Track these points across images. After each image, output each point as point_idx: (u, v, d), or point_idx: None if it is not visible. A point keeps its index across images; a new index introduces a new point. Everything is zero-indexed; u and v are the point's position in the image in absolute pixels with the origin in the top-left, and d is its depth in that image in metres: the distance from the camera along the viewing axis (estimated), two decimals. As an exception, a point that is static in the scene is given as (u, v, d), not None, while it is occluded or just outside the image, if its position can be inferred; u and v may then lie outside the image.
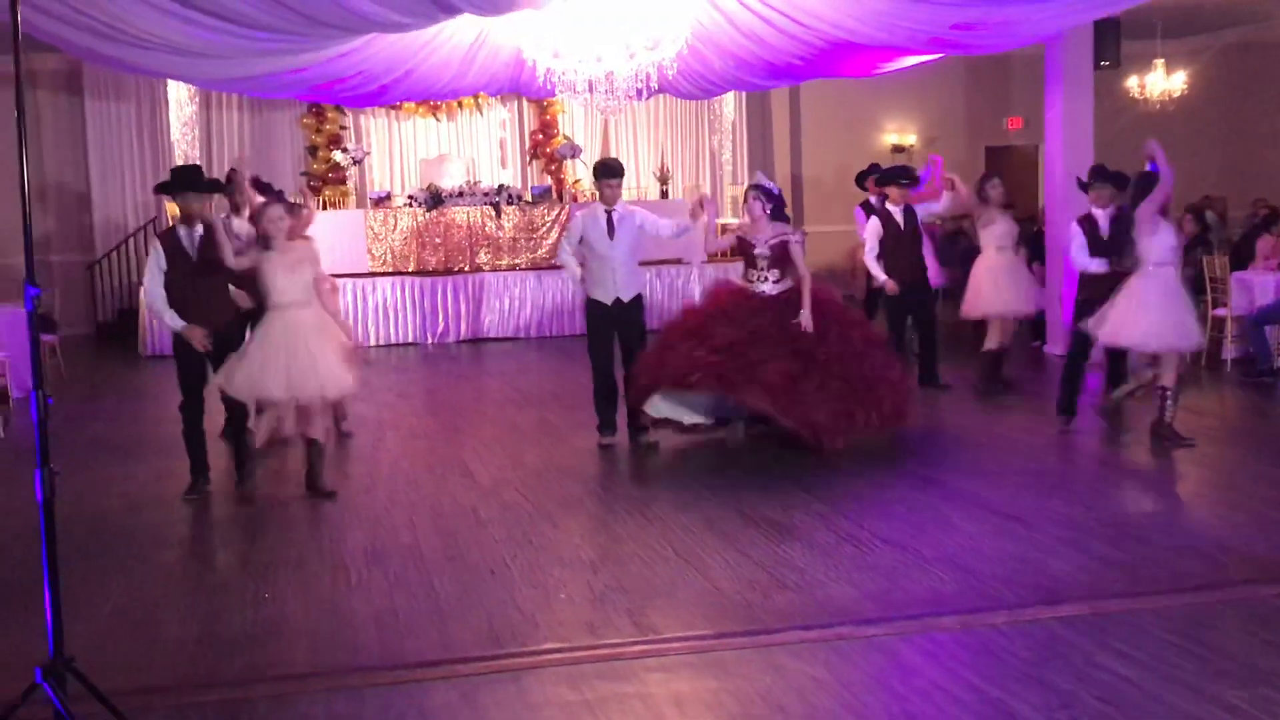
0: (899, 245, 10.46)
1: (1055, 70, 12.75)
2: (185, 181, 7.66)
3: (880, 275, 10.48)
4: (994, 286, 10.47)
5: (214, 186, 8.60)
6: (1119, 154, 16.40)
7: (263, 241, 7.51)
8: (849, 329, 8.50)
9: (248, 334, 7.93)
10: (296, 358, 7.33)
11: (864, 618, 5.29)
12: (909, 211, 10.54)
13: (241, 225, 8.56)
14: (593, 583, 5.88)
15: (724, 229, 9.19)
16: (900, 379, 8.62)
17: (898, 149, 19.80)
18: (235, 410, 7.79)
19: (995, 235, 10.55)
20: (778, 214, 8.69)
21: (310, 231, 8.84)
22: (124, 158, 17.32)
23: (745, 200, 8.80)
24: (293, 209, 8.10)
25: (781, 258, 8.50)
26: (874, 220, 10.60)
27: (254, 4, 7.50)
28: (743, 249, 8.66)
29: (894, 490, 7.50)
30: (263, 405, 8.13)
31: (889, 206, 10.57)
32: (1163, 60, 18.39)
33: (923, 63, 11.99)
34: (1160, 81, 18.39)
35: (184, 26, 7.91)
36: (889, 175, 10.82)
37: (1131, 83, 18.63)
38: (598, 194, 8.85)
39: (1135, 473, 7.81)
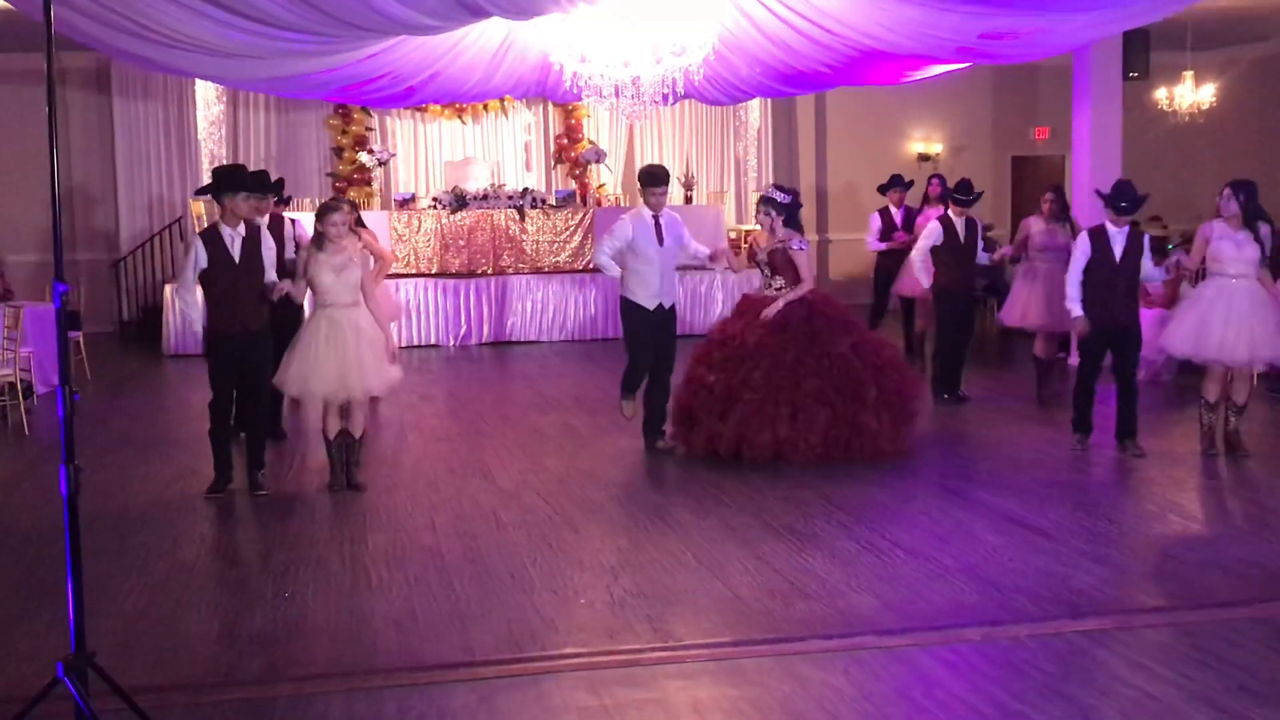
0: (955, 255, 10.50)
1: (1083, 81, 12.71)
2: (235, 181, 7.68)
3: (925, 279, 10.60)
4: (1039, 297, 10.65)
5: (267, 186, 8.73)
6: (1147, 166, 16.35)
7: (316, 241, 7.65)
8: (864, 349, 8.52)
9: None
10: (342, 356, 7.50)
11: (885, 628, 5.27)
12: (970, 224, 10.59)
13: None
14: (613, 588, 5.88)
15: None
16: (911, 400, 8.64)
17: (924, 158, 19.74)
18: (260, 415, 7.99)
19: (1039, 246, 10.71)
20: (791, 220, 8.70)
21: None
22: (150, 157, 17.37)
23: (756, 214, 8.91)
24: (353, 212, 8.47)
25: (783, 265, 8.54)
26: (935, 224, 10.62)
27: (283, 5, 7.52)
28: (753, 259, 8.88)
29: (916, 500, 7.47)
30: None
31: (952, 216, 10.58)
32: (1192, 72, 18.28)
33: (950, 72, 11.95)
34: (1189, 94, 18.28)
35: (214, 26, 7.93)
36: (954, 191, 10.76)
37: (1160, 94, 18.54)
38: (642, 200, 8.81)
39: (1160, 487, 7.75)
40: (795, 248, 8.57)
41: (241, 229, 7.65)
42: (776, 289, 8.57)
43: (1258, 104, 19.37)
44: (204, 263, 7.57)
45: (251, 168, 16.04)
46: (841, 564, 6.17)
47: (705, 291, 15.94)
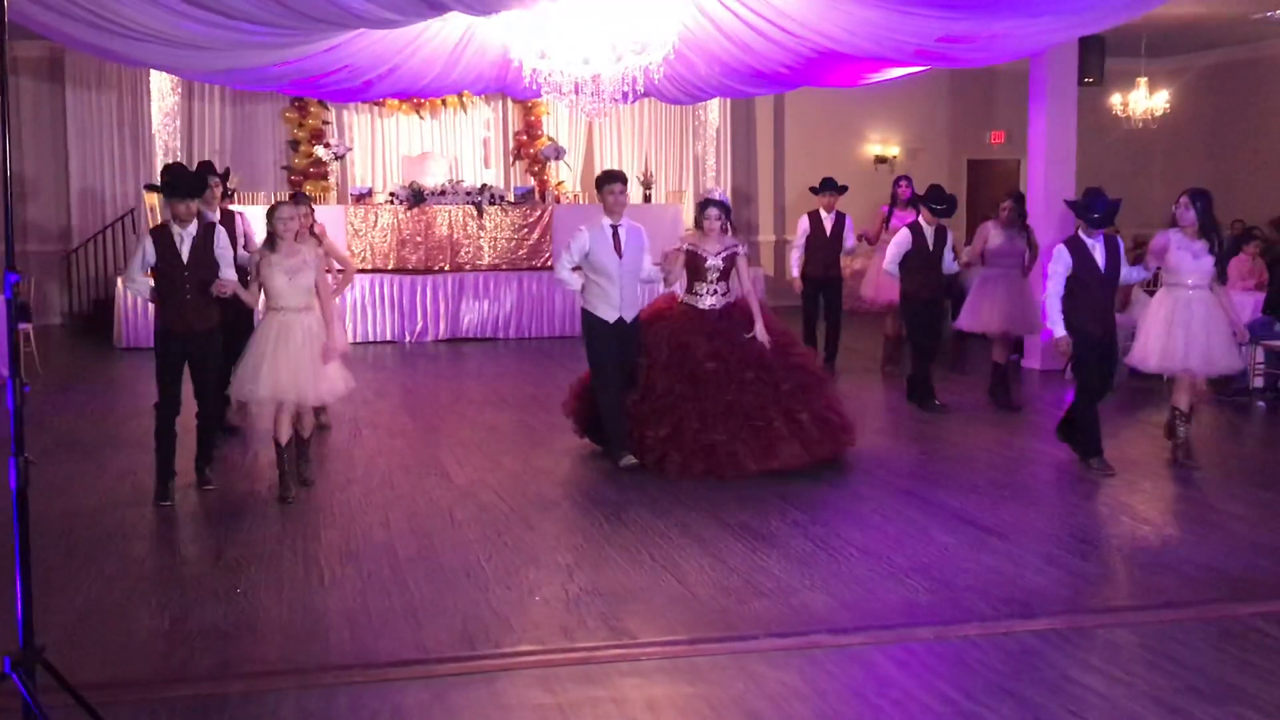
0: (924, 263, 10.46)
1: (1039, 85, 12.82)
2: (180, 186, 7.49)
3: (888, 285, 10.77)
4: (999, 303, 10.62)
5: (202, 186, 8.33)
6: (1101, 171, 16.52)
7: (269, 241, 7.48)
8: (794, 358, 8.48)
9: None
10: (291, 362, 7.33)
11: (839, 626, 5.30)
12: (940, 232, 10.53)
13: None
14: (568, 586, 5.87)
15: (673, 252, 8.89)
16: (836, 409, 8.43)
17: (880, 160, 19.86)
18: (214, 415, 7.89)
19: (995, 252, 10.68)
20: (728, 226, 8.61)
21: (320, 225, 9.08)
22: (104, 148, 17.19)
23: (704, 214, 8.52)
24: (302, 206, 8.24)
25: (729, 270, 8.48)
26: (905, 232, 10.57)
27: (241, -4, 7.47)
28: (693, 262, 8.46)
29: (871, 500, 7.51)
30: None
31: (923, 224, 10.53)
32: (1146, 79, 18.52)
33: (908, 74, 12.02)
34: (1143, 100, 18.52)
35: (170, 17, 7.85)
36: (927, 198, 10.67)
37: (1115, 100, 18.76)
38: (602, 204, 8.38)
39: (1111, 489, 7.83)
40: (742, 253, 8.59)
41: (193, 228, 7.46)
42: (722, 294, 8.47)
43: (1210, 111, 19.61)
44: (152, 260, 7.44)
45: (206, 159, 15.95)
46: (796, 563, 6.19)
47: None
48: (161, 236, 7.47)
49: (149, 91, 16.29)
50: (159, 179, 7.71)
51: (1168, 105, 18.68)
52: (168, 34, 8.37)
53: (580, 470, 8.39)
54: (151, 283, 7.54)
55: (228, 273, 7.57)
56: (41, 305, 16.47)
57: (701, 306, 8.48)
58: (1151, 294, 8.80)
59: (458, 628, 5.31)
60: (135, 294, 7.76)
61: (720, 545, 6.50)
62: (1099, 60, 15.99)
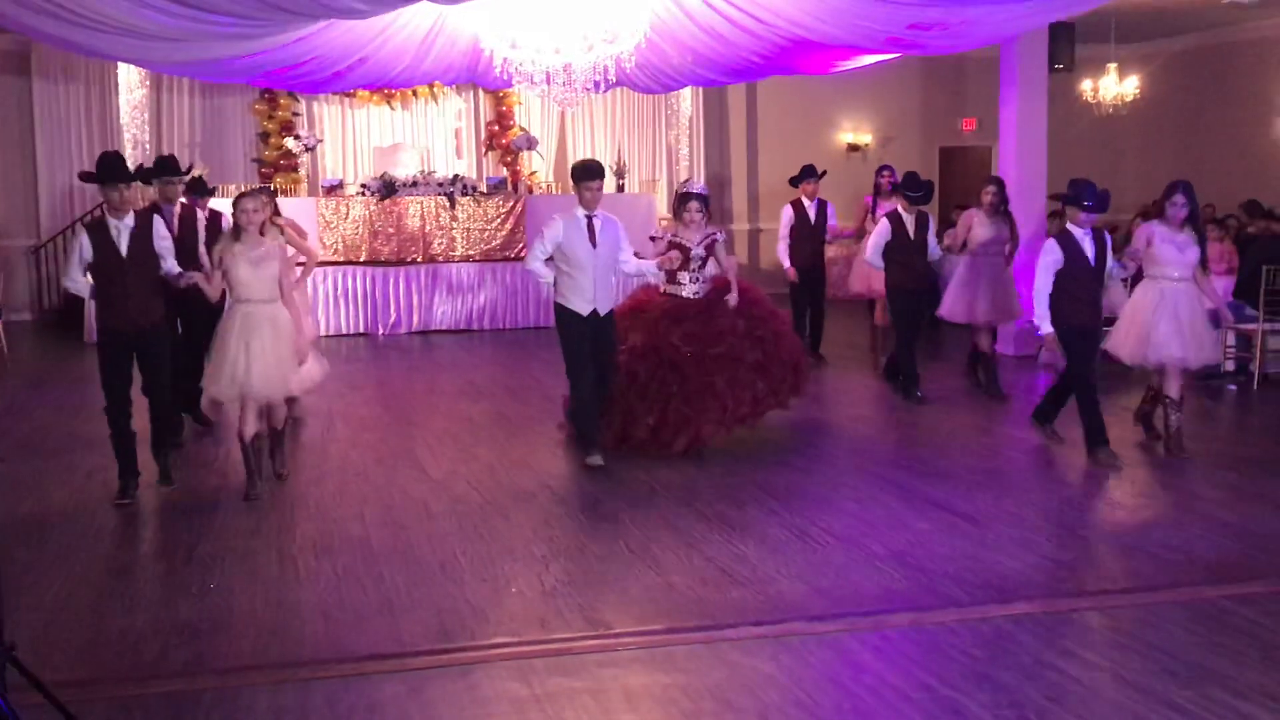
0: (905, 252, 10.34)
1: (1010, 72, 12.84)
2: (109, 171, 7.15)
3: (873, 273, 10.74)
4: (984, 292, 10.51)
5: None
6: (1072, 157, 16.58)
7: (233, 232, 7.33)
8: (769, 321, 8.77)
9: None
10: (259, 357, 7.20)
11: (815, 614, 5.30)
12: (921, 219, 10.43)
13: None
14: (544, 577, 5.86)
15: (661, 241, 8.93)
16: (801, 358, 8.97)
17: (853, 148, 19.89)
18: (165, 414, 7.67)
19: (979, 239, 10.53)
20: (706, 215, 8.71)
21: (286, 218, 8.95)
22: (72, 141, 17.04)
23: (685, 207, 8.51)
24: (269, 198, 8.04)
25: (709, 257, 8.61)
26: (884, 222, 10.48)
27: (208, -13, 7.41)
28: (679, 253, 8.52)
29: (847, 487, 7.52)
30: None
31: (902, 213, 10.42)
32: (1116, 65, 18.59)
33: (880, 62, 12.03)
34: (1113, 86, 18.58)
35: (136, 8, 7.78)
36: (904, 186, 10.60)
37: (1085, 86, 18.82)
38: (577, 198, 8.15)
39: (1085, 475, 7.87)
40: (722, 240, 8.77)
41: (130, 220, 7.21)
42: (703, 281, 8.60)
43: (1180, 96, 19.71)
44: (90, 257, 7.16)
45: (176, 153, 15.79)
46: (772, 551, 6.20)
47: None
48: (97, 231, 7.21)
49: (117, 84, 16.15)
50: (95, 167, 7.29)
51: (1138, 91, 18.75)
52: (133, 25, 8.28)
53: (556, 461, 8.36)
54: (90, 281, 7.26)
55: (169, 264, 7.35)
56: (10, 300, 16.32)
57: (683, 294, 8.56)
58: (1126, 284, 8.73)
59: (433, 621, 5.29)
60: (76, 293, 7.49)
61: (697, 534, 6.50)
62: (1069, 46, 16.04)
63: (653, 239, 8.85)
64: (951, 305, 10.75)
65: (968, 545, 6.28)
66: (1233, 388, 10.90)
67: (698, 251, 8.51)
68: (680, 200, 8.71)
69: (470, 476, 7.87)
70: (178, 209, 8.71)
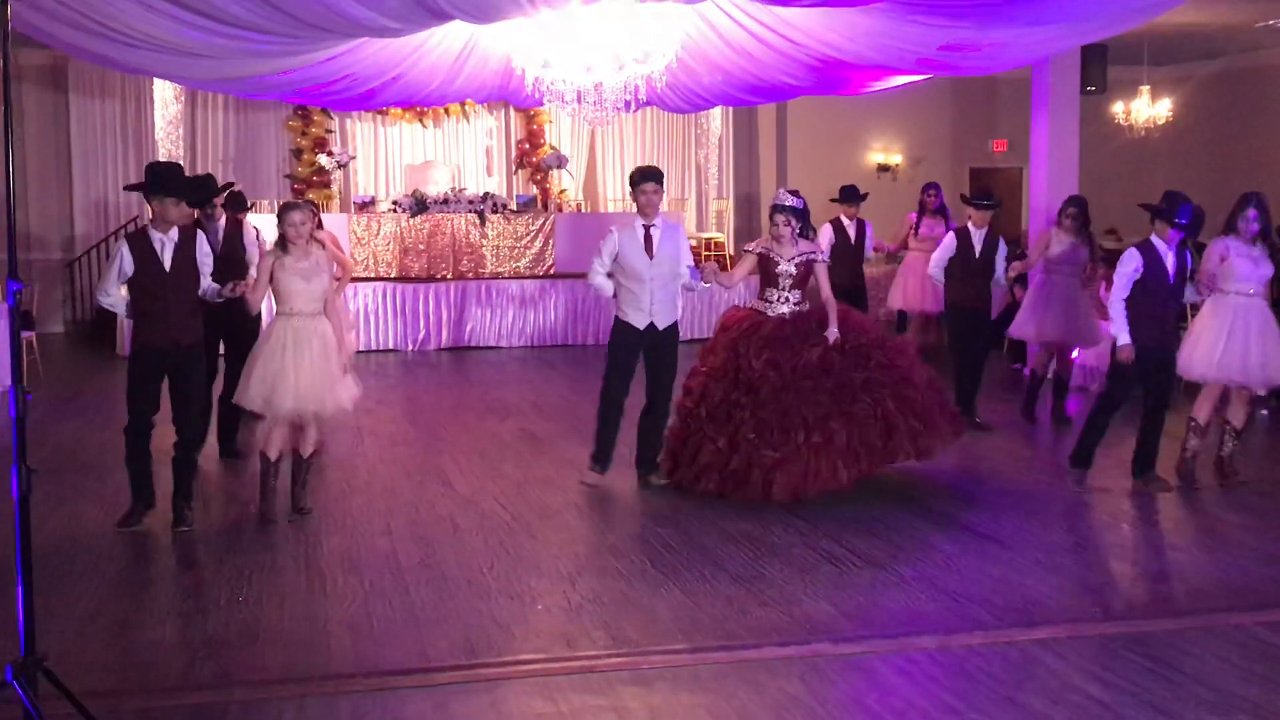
0: (970, 269, 10.09)
1: (1041, 94, 12.82)
2: (164, 184, 6.92)
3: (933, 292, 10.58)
4: (1057, 312, 10.18)
5: (198, 191, 7.94)
6: (1104, 179, 16.51)
7: (280, 244, 7.16)
8: (890, 354, 7.94)
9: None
10: (309, 370, 7.03)
11: (841, 635, 5.29)
12: (991, 238, 10.14)
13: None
14: (569, 595, 5.86)
15: (732, 262, 8.45)
16: (940, 406, 8.02)
17: (883, 168, 19.88)
18: (196, 437, 7.39)
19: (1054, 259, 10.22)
20: (805, 230, 8.13)
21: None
22: (107, 156, 17.23)
23: (771, 220, 8.01)
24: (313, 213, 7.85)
25: (804, 277, 7.98)
26: (950, 237, 10.29)
27: (245, 5, 7.48)
28: (764, 267, 8.00)
29: (873, 509, 7.49)
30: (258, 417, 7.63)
31: (971, 229, 10.16)
32: (1148, 87, 18.52)
33: (910, 83, 12.03)
34: (1145, 108, 18.52)
35: (174, 26, 7.87)
36: (974, 197, 10.39)
37: (1117, 108, 18.76)
38: (635, 205, 7.97)
39: (1113, 498, 7.82)
40: (822, 260, 8.08)
41: (174, 234, 6.97)
42: (795, 303, 7.97)
43: (1211, 119, 19.61)
44: (130, 270, 6.89)
45: (210, 169, 15.86)
46: (799, 572, 6.19)
47: (708, 306, 15.48)
48: (140, 243, 6.95)
49: (152, 99, 16.31)
50: (145, 176, 7.06)
51: (1170, 113, 18.68)
52: (169, 42, 8.39)
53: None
54: (128, 296, 7.06)
55: (205, 282, 7.16)
56: (44, 313, 16.48)
57: (771, 314, 7.96)
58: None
59: (459, 636, 5.30)
60: (111, 308, 7.19)
61: (722, 554, 6.49)
62: (1101, 68, 15.99)
63: (745, 251, 8.27)
64: (1022, 323, 10.46)
65: (995, 568, 6.26)
66: (1264, 413, 10.81)
67: (786, 268, 7.90)
68: (771, 212, 8.08)
69: (497, 493, 7.89)
70: (222, 224, 8.72)
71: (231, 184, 9.42)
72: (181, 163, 15.77)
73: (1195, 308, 8.83)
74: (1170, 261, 7.74)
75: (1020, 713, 4.46)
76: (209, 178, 8.77)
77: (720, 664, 4.98)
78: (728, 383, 7.75)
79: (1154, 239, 7.78)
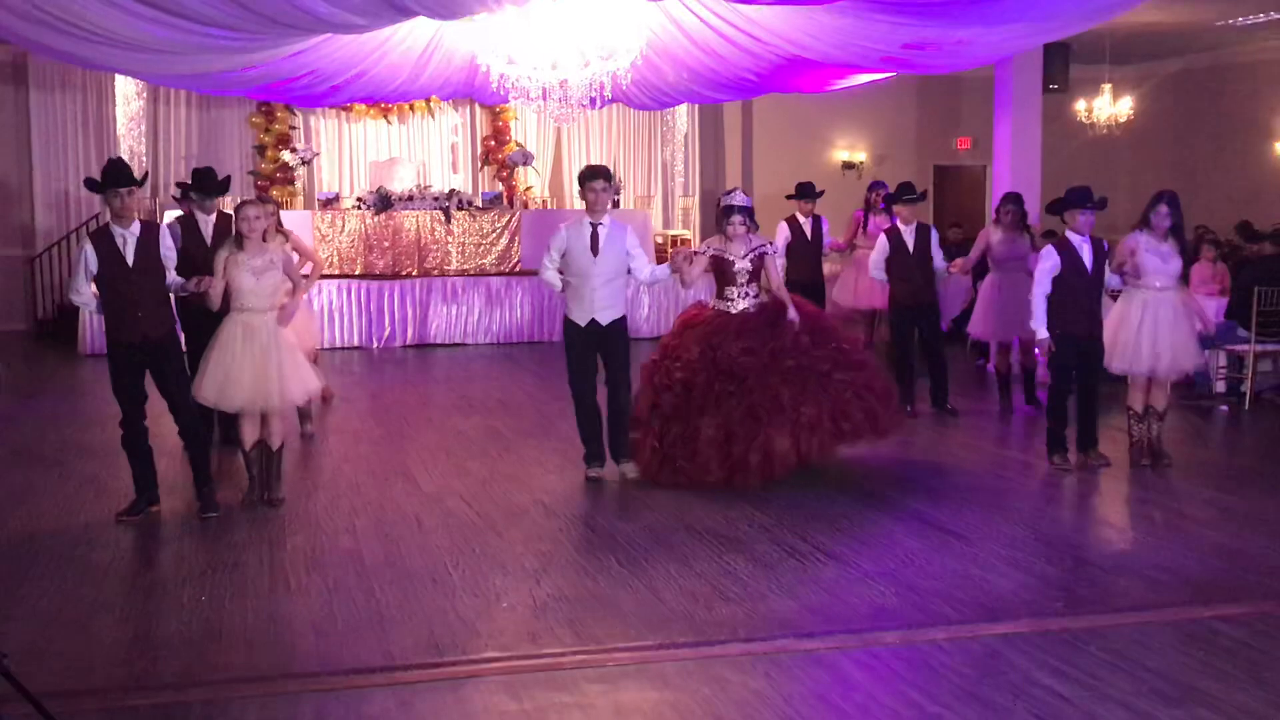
0: (907, 266, 10.25)
1: (1004, 92, 12.93)
2: (115, 177, 6.94)
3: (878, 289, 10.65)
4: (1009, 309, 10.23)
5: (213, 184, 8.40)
6: (1066, 177, 16.59)
7: (236, 240, 7.23)
8: (848, 350, 8.26)
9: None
10: (260, 364, 7.13)
11: (805, 631, 5.31)
12: (921, 231, 10.30)
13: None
14: (535, 591, 5.86)
15: (695, 255, 8.61)
16: (886, 391, 8.29)
17: (848, 166, 19.96)
18: (193, 425, 7.41)
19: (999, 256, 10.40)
20: (753, 226, 8.34)
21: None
22: (68, 152, 17.09)
23: (728, 220, 8.14)
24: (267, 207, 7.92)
25: (758, 271, 8.20)
26: (882, 238, 10.40)
27: (208, 1, 7.43)
28: (720, 267, 8.20)
29: (837, 504, 7.51)
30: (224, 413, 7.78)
31: (900, 226, 10.32)
32: (1110, 86, 18.67)
33: (874, 81, 12.08)
34: (1107, 106, 18.65)
35: (135, 21, 7.81)
36: (897, 194, 10.50)
37: (1079, 107, 18.90)
38: (584, 202, 8.09)
39: (1075, 493, 7.89)
40: (772, 253, 8.34)
41: (136, 228, 6.98)
42: (754, 296, 8.19)
43: (1173, 118, 19.80)
44: (94, 267, 6.95)
45: (172, 165, 15.80)
46: (763, 568, 6.20)
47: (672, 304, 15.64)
48: (102, 240, 6.99)
49: (114, 95, 16.20)
50: (99, 175, 7.06)
51: (1132, 112, 18.83)
52: (131, 38, 8.32)
53: (548, 476, 8.36)
54: (95, 293, 7.10)
55: (170, 275, 7.18)
56: (5, 310, 16.32)
57: (733, 311, 8.15)
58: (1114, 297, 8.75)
59: (424, 635, 5.29)
60: (83, 306, 7.28)
61: (687, 551, 6.50)
62: (1064, 67, 16.12)
63: (696, 254, 8.40)
64: (981, 325, 10.63)
65: (959, 564, 6.29)
66: (1224, 409, 10.92)
67: (742, 265, 8.14)
68: (724, 213, 8.23)
69: (462, 491, 7.87)
70: (213, 218, 8.73)
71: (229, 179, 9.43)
72: (144, 159, 15.72)
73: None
74: (1087, 253, 8.14)
75: (983, 707, 4.48)
76: (209, 170, 8.87)
77: (685, 660, 4.98)
78: (708, 374, 7.90)
79: (1069, 234, 8.19)
